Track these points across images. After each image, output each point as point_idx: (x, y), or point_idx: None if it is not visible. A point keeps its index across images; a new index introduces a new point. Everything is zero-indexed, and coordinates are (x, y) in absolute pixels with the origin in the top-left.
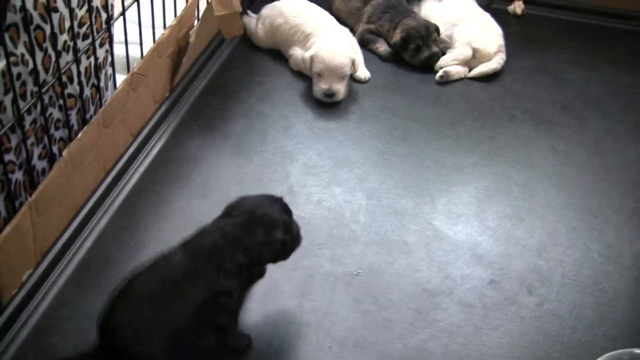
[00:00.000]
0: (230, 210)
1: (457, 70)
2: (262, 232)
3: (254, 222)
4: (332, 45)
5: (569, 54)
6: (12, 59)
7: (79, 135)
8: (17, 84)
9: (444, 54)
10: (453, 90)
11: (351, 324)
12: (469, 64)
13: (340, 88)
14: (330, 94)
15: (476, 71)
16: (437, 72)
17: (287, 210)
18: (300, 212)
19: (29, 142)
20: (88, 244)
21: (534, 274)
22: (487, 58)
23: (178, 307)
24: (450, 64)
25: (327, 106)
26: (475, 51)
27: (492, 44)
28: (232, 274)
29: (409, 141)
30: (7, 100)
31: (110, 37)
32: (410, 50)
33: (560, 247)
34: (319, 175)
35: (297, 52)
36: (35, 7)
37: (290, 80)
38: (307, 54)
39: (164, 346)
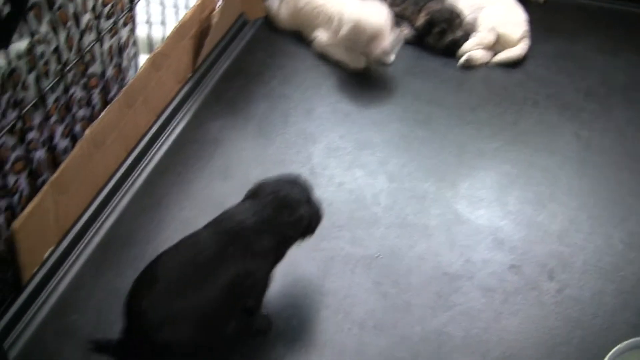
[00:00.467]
0: (252, 194)
1: (481, 55)
2: (288, 212)
3: (279, 203)
4: (365, 8)
5: (593, 41)
6: (35, 37)
7: (102, 114)
8: (41, 63)
9: (468, 38)
10: (476, 75)
11: (371, 306)
12: (493, 48)
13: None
14: (388, 51)
15: (500, 57)
16: (460, 56)
17: (307, 189)
18: (321, 194)
19: (51, 120)
20: (109, 223)
21: (555, 259)
22: (511, 44)
23: (206, 290)
24: (474, 48)
25: (349, 89)
26: (499, 37)
27: (516, 30)
28: (260, 255)
29: (431, 125)
30: (31, 79)
31: (133, 17)
32: (434, 34)
33: (582, 233)
34: (341, 157)
35: (321, 35)
36: None
37: (313, 63)
38: (345, 29)
39: (191, 331)
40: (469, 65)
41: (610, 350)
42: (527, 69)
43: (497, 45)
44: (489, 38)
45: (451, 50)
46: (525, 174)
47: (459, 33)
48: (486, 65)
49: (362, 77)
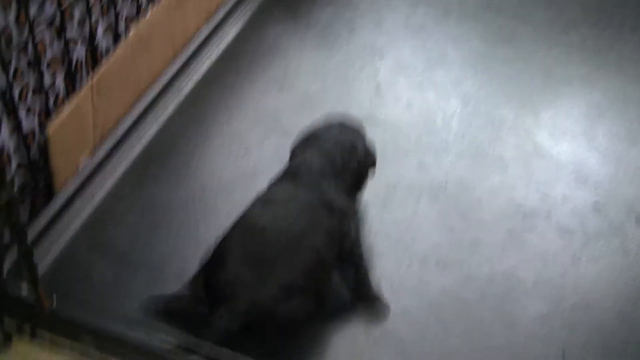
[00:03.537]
0: (307, 143)
1: None
2: (354, 154)
3: (342, 147)
4: None
5: None
6: None
7: (148, 14)
8: None
9: None
10: None
11: (435, 241)
12: None
13: None
14: None
15: None
16: None
17: (358, 127)
18: (387, 116)
19: (93, 16)
20: (151, 132)
21: None
22: None
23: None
24: None
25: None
26: None
27: None
28: (343, 205)
29: (515, 45)
30: None
31: None
32: None
33: None
34: (411, 76)
35: None
36: None
37: None
38: None
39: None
40: None
41: None
42: None
43: None
44: None
45: None
46: (617, 106)
47: None
48: None
49: None
